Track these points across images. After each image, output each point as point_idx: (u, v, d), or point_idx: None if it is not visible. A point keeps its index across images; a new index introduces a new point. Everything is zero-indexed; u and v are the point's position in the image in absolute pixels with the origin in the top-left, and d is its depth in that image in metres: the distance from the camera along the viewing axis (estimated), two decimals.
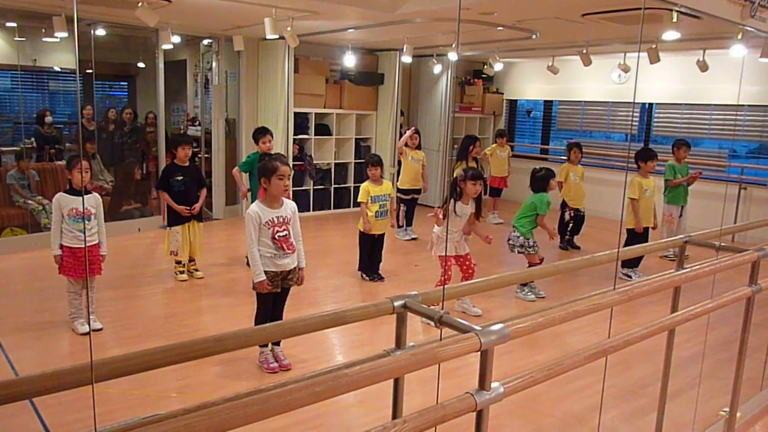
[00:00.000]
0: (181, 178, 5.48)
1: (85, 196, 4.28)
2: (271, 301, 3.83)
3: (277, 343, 4.01)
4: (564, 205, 7.31)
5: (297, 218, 3.87)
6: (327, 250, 7.12)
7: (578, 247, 7.40)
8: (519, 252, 5.51)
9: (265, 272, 3.69)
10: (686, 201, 6.86)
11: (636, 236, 5.97)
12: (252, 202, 5.97)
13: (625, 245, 5.75)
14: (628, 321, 4.75)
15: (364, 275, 5.90)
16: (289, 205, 3.83)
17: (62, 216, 4.23)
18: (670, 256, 6.83)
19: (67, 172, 4.32)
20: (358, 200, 5.85)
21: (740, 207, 8.15)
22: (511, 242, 5.54)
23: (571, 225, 7.38)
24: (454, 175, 6.14)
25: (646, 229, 6.10)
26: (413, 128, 7.72)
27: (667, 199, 6.84)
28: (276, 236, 3.69)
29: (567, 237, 7.43)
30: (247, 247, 3.75)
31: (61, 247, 4.26)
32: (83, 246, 4.26)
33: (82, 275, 4.29)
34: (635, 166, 6.33)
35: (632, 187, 6.07)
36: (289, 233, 3.76)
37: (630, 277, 6.05)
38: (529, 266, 5.45)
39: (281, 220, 3.73)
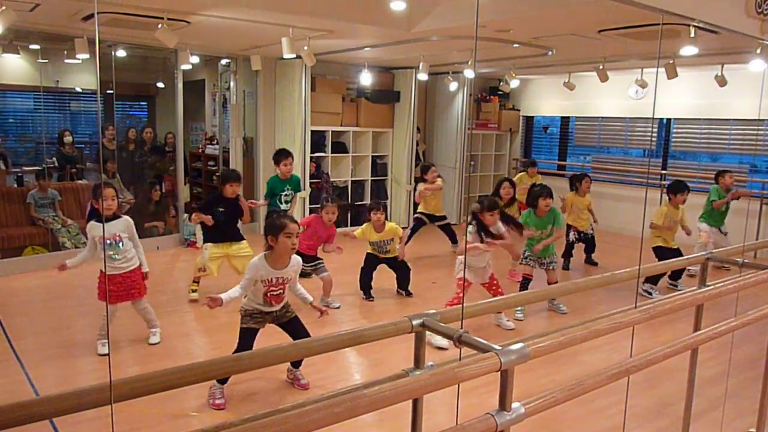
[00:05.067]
0: (224, 209, 5.45)
1: (114, 222, 4.27)
2: (253, 338, 3.68)
3: (297, 365, 3.93)
4: (569, 228, 7.27)
5: (297, 277, 3.78)
6: (343, 268, 7.09)
7: (596, 263, 7.34)
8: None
9: (252, 311, 3.66)
10: (723, 222, 6.98)
11: (665, 254, 5.90)
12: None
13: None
14: (651, 339, 4.67)
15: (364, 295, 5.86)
16: (293, 264, 3.71)
17: (96, 243, 4.25)
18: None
19: (93, 201, 4.33)
20: (354, 234, 5.88)
21: (762, 222, 8.03)
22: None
23: (574, 246, 7.31)
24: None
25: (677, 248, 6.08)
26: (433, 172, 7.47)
27: (706, 219, 6.91)
28: (267, 294, 3.61)
29: (571, 257, 7.40)
30: (238, 285, 3.64)
31: (101, 273, 4.29)
32: (122, 272, 4.28)
33: (123, 299, 4.32)
34: (667, 197, 6.34)
35: (658, 215, 6.14)
36: (283, 292, 3.68)
37: (650, 294, 5.97)
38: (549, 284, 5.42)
39: (280, 281, 3.63)
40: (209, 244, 5.52)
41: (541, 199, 5.42)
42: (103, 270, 4.28)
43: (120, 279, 4.27)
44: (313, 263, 5.58)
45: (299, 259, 3.78)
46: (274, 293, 3.63)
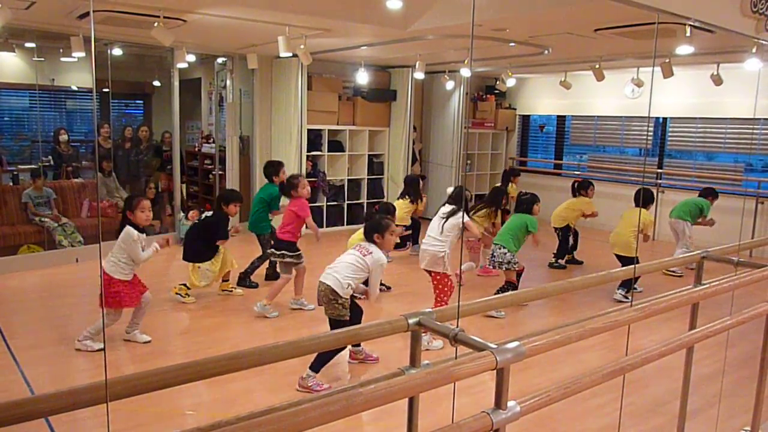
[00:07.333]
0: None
1: (142, 235, 4.50)
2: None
3: (358, 343, 4.23)
4: (567, 228, 7.31)
5: None
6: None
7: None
8: (506, 268, 5.44)
9: (352, 299, 4.05)
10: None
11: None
12: (264, 232, 6.05)
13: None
14: (644, 337, 4.69)
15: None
16: None
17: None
18: (678, 272, 6.80)
19: (129, 212, 4.41)
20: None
21: (757, 221, 8.05)
22: (497, 260, 5.46)
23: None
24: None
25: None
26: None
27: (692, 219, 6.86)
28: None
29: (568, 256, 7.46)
30: (376, 288, 4.10)
31: (116, 282, 4.33)
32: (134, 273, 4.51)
33: (136, 302, 4.46)
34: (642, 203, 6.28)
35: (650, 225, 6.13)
36: None
37: (627, 299, 5.87)
38: (508, 282, 5.48)
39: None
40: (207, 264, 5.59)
41: (537, 204, 5.65)
42: (123, 278, 4.39)
43: (136, 279, 4.52)
44: (297, 252, 5.27)
45: None
46: None
